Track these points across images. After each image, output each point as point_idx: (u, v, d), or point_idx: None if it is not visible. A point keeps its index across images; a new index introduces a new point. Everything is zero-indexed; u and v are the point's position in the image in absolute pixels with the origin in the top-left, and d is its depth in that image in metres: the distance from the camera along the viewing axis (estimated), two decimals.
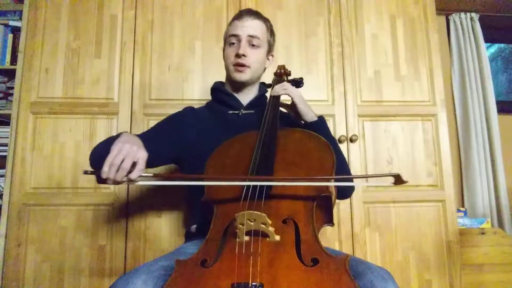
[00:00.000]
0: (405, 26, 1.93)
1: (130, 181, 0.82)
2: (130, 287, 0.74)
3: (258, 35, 1.18)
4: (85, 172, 0.84)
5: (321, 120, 1.18)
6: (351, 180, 1.23)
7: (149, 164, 1.16)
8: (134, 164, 0.82)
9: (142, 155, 0.83)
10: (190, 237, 1.16)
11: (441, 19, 2.62)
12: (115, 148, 0.81)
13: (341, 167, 1.07)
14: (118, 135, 0.94)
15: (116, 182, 0.81)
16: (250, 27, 1.17)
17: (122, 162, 0.80)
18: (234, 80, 1.21)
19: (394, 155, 1.80)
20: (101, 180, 0.82)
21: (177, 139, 1.19)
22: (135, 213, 1.66)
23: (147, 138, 1.17)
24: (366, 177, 0.96)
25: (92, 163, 1.05)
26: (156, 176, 0.86)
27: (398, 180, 0.82)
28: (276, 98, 1.20)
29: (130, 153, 0.81)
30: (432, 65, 1.90)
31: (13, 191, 1.64)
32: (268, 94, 1.27)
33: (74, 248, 1.62)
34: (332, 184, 0.92)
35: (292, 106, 1.19)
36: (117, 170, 0.80)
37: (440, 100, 1.87)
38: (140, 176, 0.83)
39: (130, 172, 0.81)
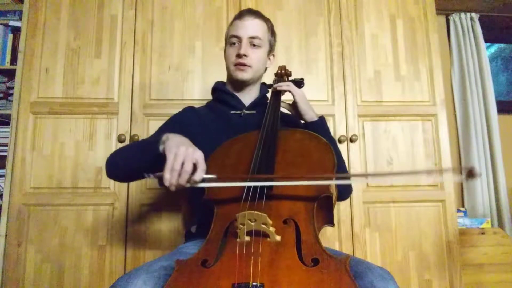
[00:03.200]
0: (405, 26, 1.93)
1: (195, 182, 0.80)
2: (130, 287, 0.74)
3: (259, 35, 1.18)
4: (148, 176, 0.81)
5: (321, 120, 1.18)
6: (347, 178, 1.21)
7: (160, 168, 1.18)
8: (194, 166, 0.80)
9: (199, 154, 0.81)
10: (190, 237, 1.16)
11: (441, 19, 2.62)
12: (171, 153, 0.80)
13: (339, 168, 1.08)
14: (151, 138, 0.91)
15: (180, 186, 0.80)
16: (251, 27, 1.17)
17: (182, 165, 0.78)
18: (236, 79, 1.21)
19: (394, 155, 1.80)
20: (164, 186, 0.80)
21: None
22: (135, 213, 1.66)
23: None
24: (433, 171, 0.92)
25: (114, 166, 1.04)
26: (220, 177, 0.84)
27: (471, 174, 0.72)
28: (277, 95, 1.21)
29: (188, 155, 0.79)
30: (432, 65, 1.91)
31: (13, 191, 1.64)
32: (269, 95, 1.27)
33: (74, 248, 1.62)
34: (334, 182, 0.91)
35: (293, 105, 1.20)
36: (179, 175, 0.79)
37: (440, 100, 1.87)
38: (204, 177, 0.81)
39: (192, 174, 0.79)
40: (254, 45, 1.18)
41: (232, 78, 1.23)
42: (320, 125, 1.17)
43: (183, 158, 0.79)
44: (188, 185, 0.81)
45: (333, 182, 0.90)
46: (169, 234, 1.67)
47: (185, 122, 1.22)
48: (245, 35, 1.17)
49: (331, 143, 1.12)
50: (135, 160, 0.98)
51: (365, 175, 1.06)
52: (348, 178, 1.00)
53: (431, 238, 1.75)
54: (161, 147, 0.87)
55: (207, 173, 0.82)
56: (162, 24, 1.82)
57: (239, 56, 1.17)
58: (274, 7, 1.88)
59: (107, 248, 1.63)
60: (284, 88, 1.20)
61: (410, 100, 1.86)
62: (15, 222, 1.62)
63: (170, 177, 0.78)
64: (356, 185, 1.41)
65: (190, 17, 1.84)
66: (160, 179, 0.79)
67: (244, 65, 1.18)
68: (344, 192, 1.19)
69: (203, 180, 0.82)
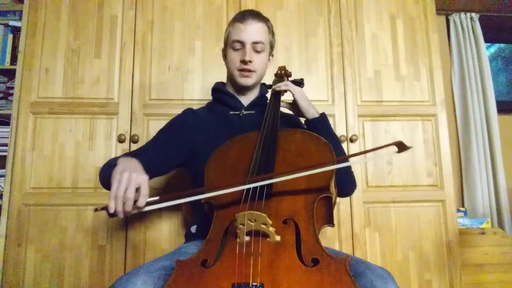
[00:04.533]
0: (405, 26, 1.93)
1: (139, 208, 0.80)
2: (130, 287, 0.74)
3: (262, 40, 1.18)
4: (96, 210, 0.81)
5: (322, 117, 1.18)
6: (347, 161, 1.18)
7: (161, 171, 1.17)
8: (138, 190, 0.79)
9: (142, 179, 0.80)
10: (190, 237, 1.16)
11: (441, 19, 2.62)
12: (114, 181, 0.78)
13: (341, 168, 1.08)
14: (115, 161, 0.92)
15: (127, 213, 0.79)
16: (254, 32, 1.16)
17: (125, 192, 0.77)
18: (240, 85, 1.21)
19: (394, 155, 1.80)
20: (111, 215, 0.79)
21: (182, 141, 1.19)
22: (135, 213, 1.66)
23: (153, 146, 1.18)
24: (366, 152, 0.93)
25: (102, 184, 1.07)
26: (164, 197, 0.84)
27: (401, 146, 0.79)
28: (277, 96, 1.21)
29: (131, 181, 0.78)
30: (432, 65, 1.90)
31: (13, 191, 1.64)
32: (268, 95, 1.27)
33: (74, 248, 1.62)
34: (333, 167, 0.89)
35: (293, 104, 1.20)
36: (124, 202, 0.78)
37: (440, 100, 1.87)
38: (148, 201, 0.80)
39: (136, 200, 0.79)
40: (257, 50, 1.18)
41: (235, 82, 1.23)
42: (321, 122, 1.17)
43: (126, 184, 0.77)
44: (135, 211, 0.80)
45: (331, 168, 0.89)
46: (169, 234, 1.67)
47: (184, 125, 1.22)
48: (248, 40, 1.16)
49: (334, 139, 1.12)
50: (104, 181, 1.03)
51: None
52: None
53: (431, 238, 1.75)
54: (113, 171, 0.85)
55: (151, 196, 0.81)
56: (162, 24, 1.82)
57: (243, 62, 1.16)
58: (274, 7, 1.88)
59: (107, 248, 1.63)
60: (282, 88, 1.20)
61: (410, 100, 1.86)
62: (15, 222, 1.62)
63: (114, 204, 0.77)
64: (357, 185, 1.40)
65: (190, 17, 1.84)
66: (107, 209, 0.78)
67: (249, 71, 1.18)
68: (347, 185, 1.17)
69: (148, 204, 0.80)
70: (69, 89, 1.74)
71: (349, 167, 1.18)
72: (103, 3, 1.82)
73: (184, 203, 1.41)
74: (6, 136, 1.87)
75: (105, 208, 0.78)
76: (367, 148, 1.80)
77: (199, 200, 0.94)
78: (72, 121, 1.72)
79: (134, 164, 0.87)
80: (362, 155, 1.13)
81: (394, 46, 1.91)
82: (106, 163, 1.09)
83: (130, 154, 1.12)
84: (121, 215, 0.79)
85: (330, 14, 1.90)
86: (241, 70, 1.18)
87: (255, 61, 1.18)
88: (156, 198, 0.82)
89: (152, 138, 1.24)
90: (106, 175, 1.03)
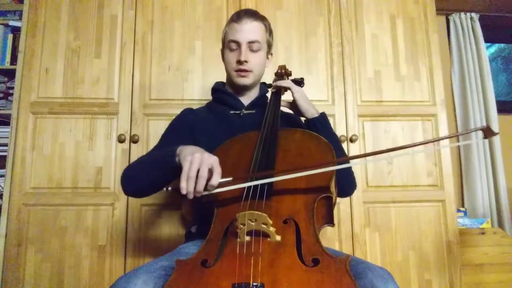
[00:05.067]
0: (405, 26, 1.93)
1: (212, 188, 0.81)
2: (130, 287, 0.74)
3: (258, 38, 1.17)
4: (166, 189, 0.83)
5: (322, 116, 1.18)
6: (347, 162, 1.17)
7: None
8: (210, 171, 0.80)
9: (214, 159, 0.82)
10: (190, 237, 1.16)
11: (441, 19, 2.62)
12: (186, 161, 0.80)
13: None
14: (162, 152, 0.92)
15: (198, 193, 0.80)
16: (250, 31, 1.16)
17: (198, 172, 0.79)
18: (237, 85, 1.21)
19: (393, 155, 1.80)
20: (182, 196, 0.81)
21: (185, 141, 1.18)
22: (135, 213, 1.66)
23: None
24: (453, 136, 0.90)
25: (131, 184, 1.04)
26: (237, 179, 0.84)
27: (488, 132, 0.75)
28: (277, 95, 1.21)
29: (203, 161, 0.80)
30: (432, 65, 1.90)
31: (13, 191, 1.64)
32: (269, 95, 1.27)
33: (74, 248, 1.62)
34: (334, 168, 0.90)
35: (293, 103, 1.20)
36: (196, 182, 0.79)
37: (440, 100, 1.87)
38: (220, 181, 0.81)
39: (209, 180, 0.80)
40: (254, 49, 1.17)
41: (233, 83, 1.23)
42: (321, 121, 1.17)
43: (198, 164, 0.80)
44: (205, 192, 0.81)
45: (332, 168, 0.89)
46: (169, 234, 1.67)
47: (184, 125, 1.22)
48: (244, 40, 1.16)
49: (333, 139, 1.12)
50: (153, 176, 0.98)
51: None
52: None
53: (431, 238, 1.74)
54: (176, 159, 0.87)
55: (222, 176, 0.82)
56: (162, 24, 1.82)
57: (239, 62, 1.16)
58: (274, 7, 1.88)
59: (107, 248, 1.63)
60: (283, 85, 1.20)
61: (410, 100, 1.86)
62: (15, 222, 1.62)
63: (186, 185, 0.79)
64: (357, 185, 1.39)
65: (190, 17, 1.84)
66: (178, 190, 0.80)
67: (246, 71, 1.18)
68: (347, 186, 1.16)
69: (220, 185, 0.82)
70: (69, 89, 1.74)
71: (349, 168, 1.18)
72: (103, 3, 1.82)
73: (185, 203, 1.41)
74: (6, 136, 1.87)
75: (176, 189, 0.80)
76: (367, 148, 1.80)
77: (199, 200, 0.94)
78: (72, 121, 1.71)
79: (200, 148, 0.88)
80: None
81: (394, 46, 1.91)
82: (135, 164, 1.07)
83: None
84: (191, 196, 0.80)
85: (330, 14, 1.90)
86: (237, 70, 1.18)
87: (252, 61, 1.17)
88: (229, 179, 0.83)
89: (157, 144, 1.22)
90: (141, 172, 1.02)
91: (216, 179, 0.80)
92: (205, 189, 0.81)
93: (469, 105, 2.47)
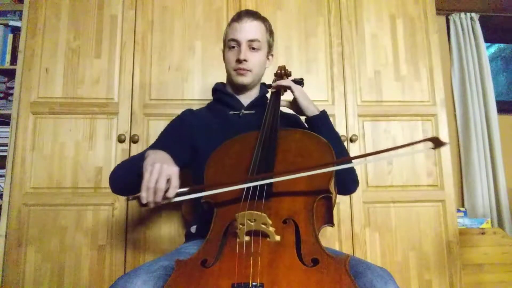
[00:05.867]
0: (405, 26, 1.93)
1: (169, 199, 0.82)
2: (130, 287, 0.74)
3: (258, 38, 1.17)
4: (128, 199, 0.84)
5: (323, 114, 1.17)
6: (349, 162, 1.15)
7: None
8: (169, 182, 0.82)
9: (173, 171, 0.83)
10: (190, 237, 1.16)
11: (441, 19, 2.62)
12: (146, 171, 0.81)
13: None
14: (141, 155, 0.94)
15: (157, 203, 0.82)
16: (250, 30, 1.16)
17: (156, 183, 0.80)
18: (236, 84, 1.22)
19: (393, 155, 1.80)
20: (142, 205, 0.82)
21: (184, 142, 1.19)
22: (135, 213, 1.66)
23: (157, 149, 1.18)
24: (399, 148, 0.88)
25: (113, 184, 1.07)
26: (193, 189, 0.86)
27: (437, 142, 0.76)
28: (277, 95, 1.21)
29: (162, 172, 0.81)
30: (432, 65, 1.90)
31: (13, 191, 1.64)
32: (269, 95, 1.27)
33: (74, 248, 1.62)
34: (333, 168, 0.90)
35: (293, 102, 1.20)
36: (155, 193, 0.80)
37: (440, 100, 1.87)
38: (177, 192, 0.82)
39: (166, 191, 0.81)
40: (254, 48, 1.18)
41: (232, 82, 1.23)
42: (322, 119, 1.16)
43: (157, 175, 0.80)
44: (164, 202, 0.82)
45: (332, 169, 0.89)
46: (169, 234, 1.67)
47: (184, 126, 1.22)
48: (244, 38, 1.16)
49: (335, 137, 1.12)
50: (127, 179, 1.00)
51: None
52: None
53: (431, 238, 1.74)
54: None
55: (181, 187, 0.83)
56: (162, 24, 1.82)
57: (239, 61, 1.16)
58: (274, 7, 1.88)
59: (107, 248, 1.63)
60: (283, 84, 1.20)
61: (410, 100, 1.86)
62: (15, 222, 1.62)
63: (146, 195, 0.80)
64: (359, 182, 1.38)
65: (190, 17, 1.84)
66: (139, 199, 0.81)
67: (245, 70, 1.18)
68: (350, 183, 1.16)
69: (178, 195, 0.83)
70: (69, 89, 1.74)
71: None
72: (103, 3, 1.82)
73: (185, 203, 1.41)
74: (6, 136, 1.87)
75: (137, 197, 0.81)
76: (367, 148, 1.80)
77: (199, 200, 0.94)
78: (72, 121, 1.72)
79: (164, 156, 0.90)
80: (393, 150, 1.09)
81: (394, 46, 1.91)
82: (119, 165, 1.10)
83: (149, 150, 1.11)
84: (152, 205, 0.82)
85: (330, 14, 1.90)
86: (237, 69, 1.18)
87: (251, 60, 1.18)
88: (186, 189, 0.84)
89: (153, 142, 1.23)
90: (121, 174, 1.04)
91: (172, 192, 0.82)
92: (164, 199, 0.82)
93: (469, 105, 2.47)
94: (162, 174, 0.80)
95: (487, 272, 1.84)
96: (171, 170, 0.82)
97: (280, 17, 1.87)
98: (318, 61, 1.86)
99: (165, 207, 1.68)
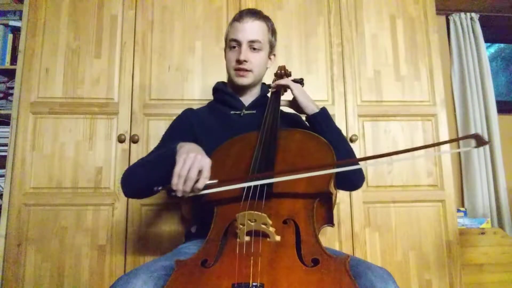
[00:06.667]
0: (405, 26, 1.93)
1: (198, 190, 0.83)
2: (130, 287, 0.74)
3: (259, 38, 1.16)
4: (157, 189, 0.84)
5: (323, 111, 1.16)
6: (355, 164, 1.16)
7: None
8: (199, 173, 0.82)
9: (206, 162, 0.83)
10: (190, 237, 1.16)
11: (441, 19, 2.62)
12: (180, 158, 0.82)
13: (348, 156, 1.09)
14: (159, 154, 0.94)
15: (185, 193, 0.82)
16: (251, 30, 1.15)
17: (188, 171, 0.80)
18: (236, 84, 1.21)
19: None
20: (170, 193, 0.82)
21: (186, 140, 1.18)
22: (135, 213, 1.66)
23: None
24: (442, 143, 0.87)
25: (131, 185, 1.04)
26: (222, 183, 0.86)
27: (479, 140, 0.75)
28: (277, 95, 1.21)
29: (195, 162, 0.81)
30: (432, 65, 1.90)
31: (13, 191, 1.64)
32: (269, 95, 1.27)
33: (74, 248, 1.62)
34: (334, 170, 0.90)
35: (293, 100, 1.19)
36: (185, 181, 0.81)
37: (440, 100, 1.87)
38: (206, 184, 0.83)
39: (196, 181, 0.81)
40: (254, 49, 1.17)
41: (232, 82, 1.23)
42: (322, 116, 1.15)
43: (190, 164, 0.81)
44: (191, 194, 0.83)
45: (332, 171, 0.89)
46: (169, 234, 1.67)
47: (185, 125, 1.22)
48: (244, 39, 1.15)
49: (336, 133, 1.12)
50: (154, 176, 0.97)
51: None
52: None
53: (431, 238, 1.74)
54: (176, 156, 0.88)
55: (210, 179, 0.84)
56: (162, 24, 1.82)
57: (239, 61, 1.16)
58: (274, 7, 1.88)
59: (107, 248, 1.63)
60: (282, 83, 1.20)
61: (410, 100, 1.86)
62: (15, 222, 1.62)
63: (177, 182, 0.81)
64: (364, 177, 1.36)
65: (190, 17, 1.84)
66: (169, 190, 0.82)
67: (245, 70, 1.17)
68: (355, 179, 1.15)
69: (205, 188, 0.83)
70: (69, 89, 1.74)
71: (354, 156, 1.16)
72: (103, 3, 1.82)
73: (185, 203, 1.41)
74: (6, 136, 1.87)
75: (166, 187, 0.82)
76: (367, 148, 1.80)
77: (200, 201, 0.94)
78: (72, 121, 1.72)
79: (197, 148, 0.90)
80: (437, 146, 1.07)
81: (394, 46, 1.91)
82: (135, 164, 1.07)
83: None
84: (179, 194, 0.82)
85: (330, 14, 1.90)
86: (237, 69, 1.17)
87: (252, 61, 1.17)
88: (215, 181, 0.85)
89: (158, 144, 1.21)
90: (141, 173, 1.02)
91: (202, 182, 0.82)
92: (192, 190, 0.82)
93: (469, 105, 2.47)
94: (194, 164, 0.81)
95: (487, 272, 1.84)
96: (204, 161, 0.83)
97: (280, 17, 1.87)
98: (318, 61, 1.86)
99: (165, 207, 1.68)
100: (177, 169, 0.81)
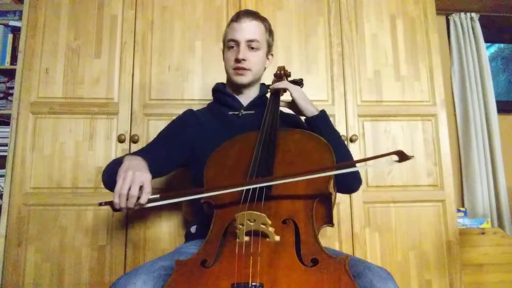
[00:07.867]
0: (405, 26, 1.93)
1: (141, 205, 0.84)
2: (130, 287, 0.74)
3: (256, 38, 1.18)
4: (100, 204, 0.86)
5: (322, 114, 1.17)
6: (352, 166, 1.16)
7: (162, 171, 1.17)
8: (141, 188, 0.84)
9: (146, 178, 0.85)
10: (190, 237, 1.16)
11: (441, 19, 2.62)
12: (119, 178, 0.83)
13: (346, 159, 1.09)
14: (122, 159, 0.96)
15: (130, 209, 0.84)
16: (249, 30, 1.17)
17: (129, 189, 0.82)
18: (235, 83, 1.22)
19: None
20: (115, 210, 0.84)
21: (183, 141, 1.19)
22: (135, 213, 1.66)
23: (154, 147, 1.19)
24: (367, 160, 0.94)
25: (105, 183, 1.08)
26: (165, 195, 0.88)
27: (402, 156, 0.78)
28: (276, 95, 1.21)
29: (135, 179, 0.83)
30: (432, 65, 1.90)
31: (13, 191, 1.64)
32: (268, 95, 1.27)
33: (74, 248, 1.62)
34: (332, 173, 0.90)
35: (292, 102, 1.20)
36: (127, 199, 0.82)
37: (440, 100, 1.87)
38: (149, 198, 0.84)
39: (139, 197, 0.83)
40: (252, 48, 1.18)
41: (231, 82, 1.23)
42: (321, 119, 1.16)
43: (130, 182, 0.82)
44: (137, 207, 0.85)
45: (330, 173, 0.90)
46: (169, 234, 1.67)
47: (184, 126, 1.23)
48: (242, 38, 1.16)
49: (335, 136, 1.12)
50: (113, 181, 1.00)
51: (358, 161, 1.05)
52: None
53: (431, 238, 1.74)
54: None
55: (152, 194, 0.86)
56: (162, 24, 1.82)
57: (237, 60, 1.17)
58: (274, 7, 1.88)
59: (107, 248, 1.63)
60: (280, 86, 1.21)
61: (410, 100, 1.86)
62: (15, 222, 1.62)
63: (118, 201, 0.82)
64: (362, 180, 1.37)
65: (190, 17, 1.84)
66: (111, 205, 0.83)
67: (244, 69, 1.18)
68: (352, 182, 1.16)
69: (149, 201, 0.85)
70: (69, 89, 1.74)
71: (352, 159, 1.17)
72: (103, 3, 1.82)
73: (185, 204, 1.41)
74: (6, 136, 1.87)
75: (110, 203, 0.84)
76: (367, 148, 1.80)
77: (199, 201, 0.94)
78: (72, 121, 1.72)
79: (138, 163, 0.91)
80: (363, 162, 1.12)
81: (394, 46, 1.91)
82: (109, 165, 1.10)
83: (132, 154, 1.12)
84: (124, 211, 0.84)
85: (330, 14, 1.90)
86: (235, 68, 1.18)
87: (250, 60, 1.18)
88: (157, 196, 0.87)
89: (152, 139, 1.24)
90: (109, 175, 1.05)
91: (145, 197, 0.83)
92: (136, 204, 0.84)
93: (469, 105, 2.47)
94: (135, 181, 0.83)
95: (487, 272, 1.84)
96: (144, 177, 0.84)
97: (280, 17, 1.87)
98: (318, 61, 1.86)
99: (165, 207, 1.68)
100: (117, 188, 0.82)
